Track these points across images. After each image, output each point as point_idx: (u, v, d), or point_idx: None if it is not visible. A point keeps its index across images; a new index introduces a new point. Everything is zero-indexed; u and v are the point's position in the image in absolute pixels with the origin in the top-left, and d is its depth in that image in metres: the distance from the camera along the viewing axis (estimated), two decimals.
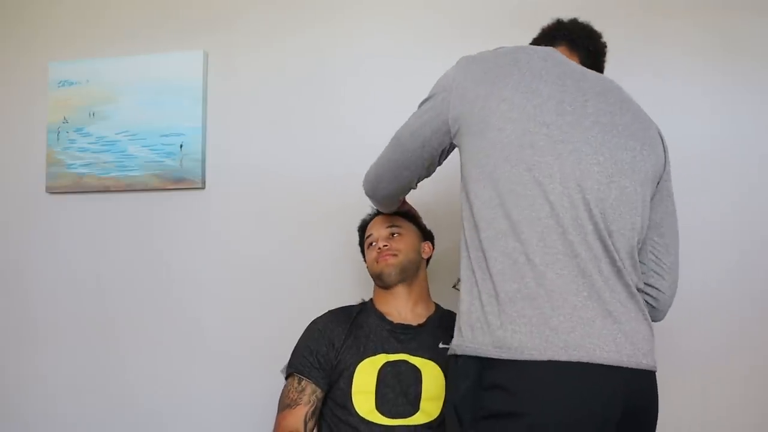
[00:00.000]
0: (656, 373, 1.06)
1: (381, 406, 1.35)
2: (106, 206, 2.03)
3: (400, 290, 1.49)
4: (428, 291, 1.55)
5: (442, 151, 1.20)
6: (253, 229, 1.93)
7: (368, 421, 1.34)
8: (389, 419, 1.34)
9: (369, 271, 1.55)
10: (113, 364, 1.97)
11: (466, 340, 1.03)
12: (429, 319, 1.48)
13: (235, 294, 1.92)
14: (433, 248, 1.59)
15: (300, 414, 1.38)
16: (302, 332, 1.50)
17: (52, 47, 2.12)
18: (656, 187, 1.18)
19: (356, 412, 1.35)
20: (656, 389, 1.07)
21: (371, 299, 1.56)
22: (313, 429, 1.41)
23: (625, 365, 0.98)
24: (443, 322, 1.47)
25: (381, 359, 1.40)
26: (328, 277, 1.85)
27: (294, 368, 1.44)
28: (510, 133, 1.05)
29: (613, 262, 1.03)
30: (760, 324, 1.66)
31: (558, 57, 1.16)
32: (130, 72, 2.02)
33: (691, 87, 1.74)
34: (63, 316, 2.02)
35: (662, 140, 1.20)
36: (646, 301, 1.18)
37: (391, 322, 1.46)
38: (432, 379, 1.38)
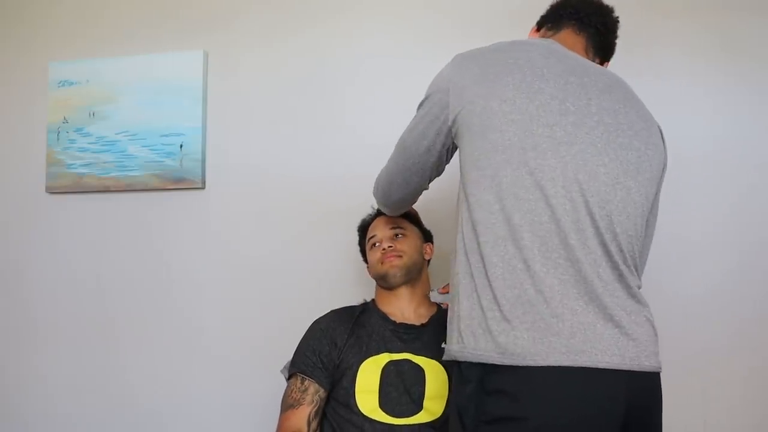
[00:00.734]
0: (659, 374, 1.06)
1: (384, 405, 1.35)
2: (106, 206, 2.03)
3: (404, 291, 1.50)
4: (430, 291, 1.56)
5: (448, 150, 1.18)
6: (253, 229, 1.93)
7: (372, 419, 1.34)
8: (393, 418, 1.34)
9: (371, 272, 1.55)
10: (113, 364, 1.97)
11: (468, 347, 1.02)
12: (431, 319, 1.49)
13: (235, 294, 1.92)
14: (433, 249, 1.59)
15: (303, 414, 1.38)
16: (304, 332, 1.50)
17: (52, 47, 2.12)
18: (657, 187, 1.17)
19: (360, 410, 1.35)
20: (660, 389, 1.07)
21: (373, 300, 1.56)
22: (317, 429, 1.41)
23: (627, 368, 0.98)
24: (445, 322, 1.47)
25: (384, 358, 1.40)
26: (328, 277, 1.85)
27: (297, 368, 1.44)
28: (512, 135, 1.03)
29: (614, 265, 1.02)
30: (759, 325, 1.66)
31: (559, 51, 1.13)
32: (130, 72, 2.02)
33: (691, 87, 1.73)
34: (63, 316, 2.02)
35: (663, 139, 1.19)
36: None
37: (393, 322, 1.46)
38: (435, 378, 1.38)
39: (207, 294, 1.94)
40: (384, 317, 1.47)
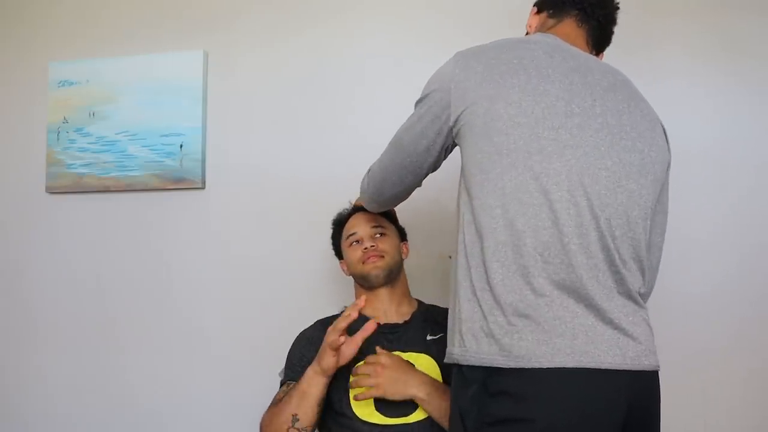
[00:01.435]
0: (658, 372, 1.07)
1: (380, 406, 1.35)
2: (106, 206, 2.03)
3: (384, 292, 1.49)
4: (408, 289, 1.55)
5: (446, 149, 1.17)
6: (253, 229, 1.93)
7: (370, 423, 1.34)
8: (390, 419, 1.34)
9: (351, 270, 1.53)
10: (113, 364, 1.97)
11: (470, 351, 1.02)
12: (413, 315, 1.49)
13: (235, 294, 1.92)
14: (408, 249, 1.59)
15: (287, 414, 1.35)
16: (292, 342, 1.51)
17: (52, 47, 2.12)
18: (661, 187, 1.17)
19: (356, 416, 1.35)
20: (659, 388, 1.07)
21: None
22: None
23: (629, 368, 0.98)
24: (428, 315, 1.49)
25: None
26: (328, 278, 1.85)
27: (286, 377, 1.44)
28: (517, 139, 1.02)
29: (615, 269, 1.02)
30: (759, 325, 1.66)
31: (563, 48, 1.11)
32: (129, 72, 2.02)
33: (691, 87, 1.73)
34: (63, 316, 2.02)
35: (666, 138, 1.19)
36: None
37: (378, 324, 1.45)
38: (427, 371, 1.38)
39: (207, 294, 1.94)
40: (366, 320, 1.46)
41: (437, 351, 1.39)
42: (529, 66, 1.06)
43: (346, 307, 1.55)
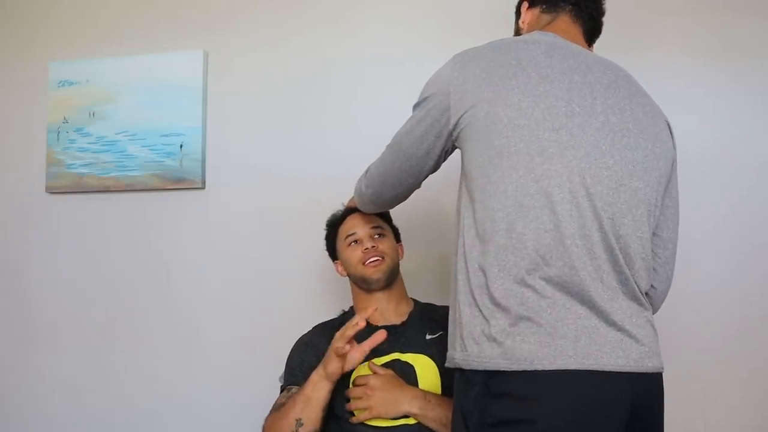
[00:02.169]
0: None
1: None
2: (106, 206, 2.03)
3: (381, 293, 1.48)
4: (405, 289, 1.55)
5: (446, 152, 1.16)
6: (253, 229, 1.93)
7: (372, 426, 1.33)
8: (390, 421, 1.33)
9: (350, 272, 1.51)
10: (113, 363, 1.97)
11: (472, 355, 1.01)
12: (411, 315, 1.49)
13: (235, 294, 1.92)
14: (404, 250, 1.59)
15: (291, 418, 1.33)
16: (302, 334, 1.51)
17: (52, 47, 2.12)
18: (668, 183, 1.16)
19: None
20: (662, 389, 1.07)
21: (351, 307, 1.55)
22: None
23: (632, 370, 0.98)
24: (425, 314, 1.49)
25: (375, 363, 1.40)
26: (327, 278, 1.85)
27: (287, 382, 1.44)
28: (518, 141, 1.01)
29: (619, 269, 1.02)
30: (759, 325, 1.66)
31: (562, 46, 1.11)
32: (129, 72, 2.01)
33: (691, 87, 1.73)
34: (63, 316, 2.02)
35: (671, 133, 1.18)
36: None
37: (375, 326, 1.44)
38: (426, 371, 1.38)
39: (207, 294, 1.94)
40: (366, 324, 1.46)
41: (437, 351, 1.39)
42: (528, 67, 1.05)
43: (344, 310, 1.56)
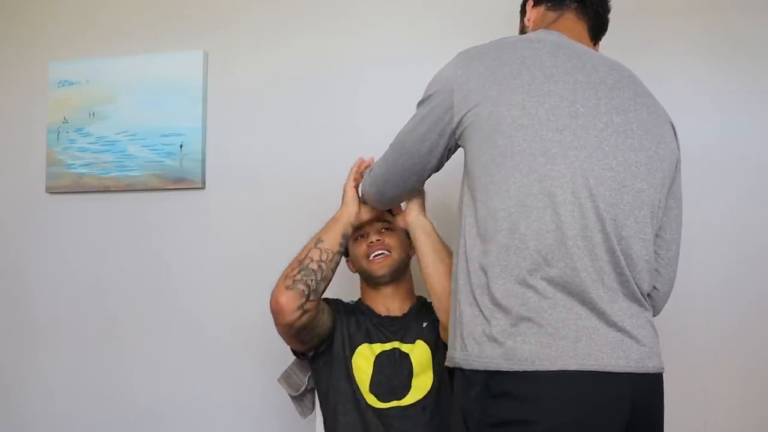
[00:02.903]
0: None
1: (374, 390, 1.39)
2: (106, 206, 2.03)
3: (389, 290, 1.50)
4: (413, 286, 1.56)
5: (449, 150, 1.16)
6: (253, 229, 1.93)
7: (376, 407, 1.38)
8: (384, 403, 1.37)
9: (356, 266, 1.53)
10: (113, 363, 1.97)
11: (472, 355, 1.01)
12: (411, 308, 1.51)
13: (235, 294, 1.92)
14: None
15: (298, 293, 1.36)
16: None
17: (52, 47, 2.12)
18: (671, 185, 1.16)
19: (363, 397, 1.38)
20: (662, 390, 1.07)
21: (359, 299, 1.57)
22: (307, 319, 1.36)
23: (632, 370, 0.98)
24: (423, 307, 1.51)
25: (378, 347, 1.44)
26: None
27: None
28: (521, 141, 1.01)
29: (620, 271, 1.01)
30: (759, 325, 1.66)
31: (567, 45, 1.10)
32: (129, 72, 2.01)
33: (692, 87, 1.73)
34: (63, 316, 2.02)
35: (675, 134, 1.18)
36: None
37: (378, 315, 1.49)
38: (420, 353, 1.42)
39: (206, 294, 1.94)
40: (370, 311, 1.50)
41: (430, 334, 1.44)
42: (532, 65, 1.05)
43: (353, 301, 1.57)
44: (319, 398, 1.49)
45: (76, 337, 2.00)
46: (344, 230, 1.40)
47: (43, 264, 2.05)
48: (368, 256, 1.47)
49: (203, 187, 1.97)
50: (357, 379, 1.40)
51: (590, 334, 0.97)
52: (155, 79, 1.99)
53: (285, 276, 1.36)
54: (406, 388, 1.39)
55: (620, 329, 0.99)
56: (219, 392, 1.89)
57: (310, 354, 1.45)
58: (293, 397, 1.52)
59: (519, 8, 1.32)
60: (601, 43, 1.30)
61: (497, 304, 0.99)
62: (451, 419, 1.08)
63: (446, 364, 1.10)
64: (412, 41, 1.88)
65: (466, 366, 1.02)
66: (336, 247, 1.38)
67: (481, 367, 0.99)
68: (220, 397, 1.89)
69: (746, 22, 1.72)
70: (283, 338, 1.40)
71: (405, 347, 1.44)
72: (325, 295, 1.45)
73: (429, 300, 1.55)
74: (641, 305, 1.05)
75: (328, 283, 1.39)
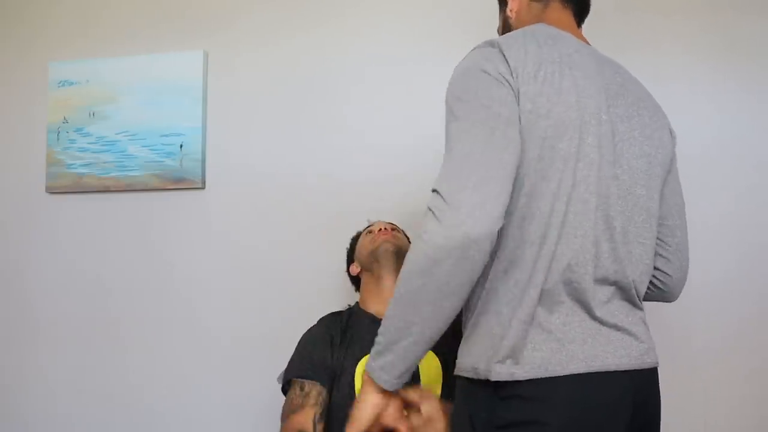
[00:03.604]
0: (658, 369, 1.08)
1: None
2: (106, 206, 2.03)
3: (391, 282, 1.48)
4: None
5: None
6: (253, 229, 1.93)
7: None
8: None
9: (361, 257, 1.53)
10: (114, 363, 1.97)
11: (482, 363, 0.99)
12: None
13: (236, 293, 1.92)
14: None
15: (308, 416, 1.34)
16: (297, 342, 1.49)
17: (52, 47, 2.12)
18: (667, 175, 1.16)
19: None
20: (658, 382, 1.08)
21: (357, 303, 1.56)
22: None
23: (634, 367, 0.99)
24: None
25: None
26: (329, 277, 1.85)
27: (294, 374, 1.41)
28: (534, 148, 0.96)
29: (624, 277, 1.02)
30: (759, 325, 1.66)
31: (579, 48, 1.06)
32: (130, 72, 2.02)
33: (691, 87, 1.74)
34: (63, 316, 2.02)
35: (671, 131, 1.17)
36: (653, 285, 1.19)
37: (380, 320, 1.46)
38: (427, 363, 1.39)
39: (207, 294, 1.94)
40: (372, 318, 1.47)
41: (440, 345, 1.40)
42: (572, 67, 1.00)
43: (349, 305, 1.56)
44: None
45: (77, 337, 2.00)
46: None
47: (43, 264, 2.05)
48: (374, 240, 1.50)
49: (203, 187, 1.97)
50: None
51: (594, 335, 0.98)
52: (155, 79, 1.99)
53: None
54: None
55: (620, 328, 1.00)
56: (219, 392, 1.89)
57: None
58: None
59: None
60: (597, 46, 1.29)
61: (509, 312, 0.98)
62: (452, 424, 1.06)
63: (456, 372, 1.07)
64: (412, 41, 1.88)
65: (475, 376, 0.99)
66: None
67: (495, 378, 0.96)
68: (220, 397, 1.89)
69: (745, 22, 1.73)
70: None
71: None
72: (319, 305, 1.46)
73: None
74: (634, 305, 1.06)
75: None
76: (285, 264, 1.90)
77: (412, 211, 1.80)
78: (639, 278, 1.06)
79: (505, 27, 1.24)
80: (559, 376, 0.94)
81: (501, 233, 0.97)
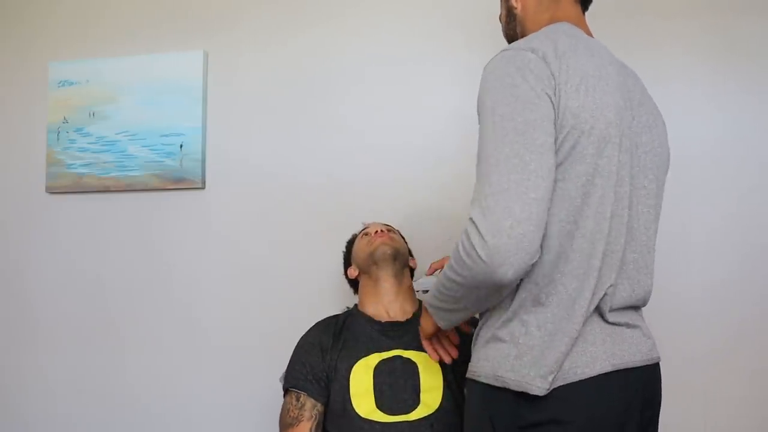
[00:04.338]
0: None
1: (381, 404, 1.36)
2: (106, 206, 2.03)
3: (389, 284, 1.49)
4: (414, 291, 1.56)
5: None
6: (253, 229, 1.93)
7: (371, 420, 1.34)
8: (391, 416, 1.34)
9: (359, 259, 1.54)
10: (113, 363, 1.97)
11: (502, 368, 0.99)
12: (415, 313, 1.50)
13: (236, 294, 1.92)
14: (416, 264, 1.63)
15: (304, 430, 1.38)
16: (303, 333, 1.51)
17: (52, 47, 2.12)
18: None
19: (357, 413, 1.35)
20: (660, 376, 1.10)
21: (356, 305, 1.56)
22: None
23: (645, 363, 1.03)
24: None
25: (375, 358, 1.41)
26: (328, 278, 1.85)
27: (290, 384, 1.44)
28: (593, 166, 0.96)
29: (630, 287, 1.04)
30: (760, 326, 1.66)
31: (611, 58, 1.05)
32: (130, 72, 2.01)
33: (692, 88, 1.73)
34: (63, 316, 2.02)
35: (665, 134, 1.18)
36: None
37: (379, 322, 1.47)
38: (428, 370, 1.39)
39: (207, 294, 1.94)
40: (369, 319, 1.47)
41: None
42: (600, 77, 0.99)
43: (347, 308, 1.56)
44: None
45: (76, 337, 2.00)
46: None
47: (43, 264, 2.05)
48: (371, 243, 1.51)
49: (203, 187, 1.97)
50: (354, 400, 1.36)
51: (611, 334, 1.00)
52: (155, 79, 1.99)
53: None
54: (415, 402, 1.35)
55: (630, 326, 1.03)
56: (219, 392, 1.89)
57: None
58: None
59: None
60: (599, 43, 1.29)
61: (532, 319, 0.98)
62: (470, 426, 1.05)
63: (467, 375, 1.06)
64: (412, 41, 1.88)
65: (494, 383, 0.98)
66: None
67: (516, 388, 0.96)
68: (220, 397, 1.89)
69: (745, 23, 1.72)
70: None
71: (409, 354, 1.41)
72: (318, 305, 1.46)
73: None
74: (635, 307, 1.08)
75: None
76: (285, 264, 1.90)
77: (412, 212, 1.80)
78: (644, 280, 1.07)
79: (509, 17, 1.22)
80: (585, 379, 0.95)
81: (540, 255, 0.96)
